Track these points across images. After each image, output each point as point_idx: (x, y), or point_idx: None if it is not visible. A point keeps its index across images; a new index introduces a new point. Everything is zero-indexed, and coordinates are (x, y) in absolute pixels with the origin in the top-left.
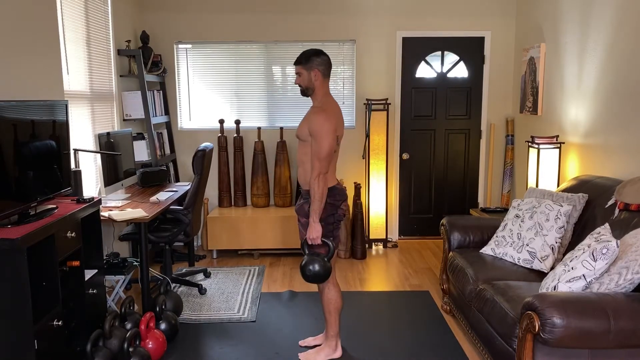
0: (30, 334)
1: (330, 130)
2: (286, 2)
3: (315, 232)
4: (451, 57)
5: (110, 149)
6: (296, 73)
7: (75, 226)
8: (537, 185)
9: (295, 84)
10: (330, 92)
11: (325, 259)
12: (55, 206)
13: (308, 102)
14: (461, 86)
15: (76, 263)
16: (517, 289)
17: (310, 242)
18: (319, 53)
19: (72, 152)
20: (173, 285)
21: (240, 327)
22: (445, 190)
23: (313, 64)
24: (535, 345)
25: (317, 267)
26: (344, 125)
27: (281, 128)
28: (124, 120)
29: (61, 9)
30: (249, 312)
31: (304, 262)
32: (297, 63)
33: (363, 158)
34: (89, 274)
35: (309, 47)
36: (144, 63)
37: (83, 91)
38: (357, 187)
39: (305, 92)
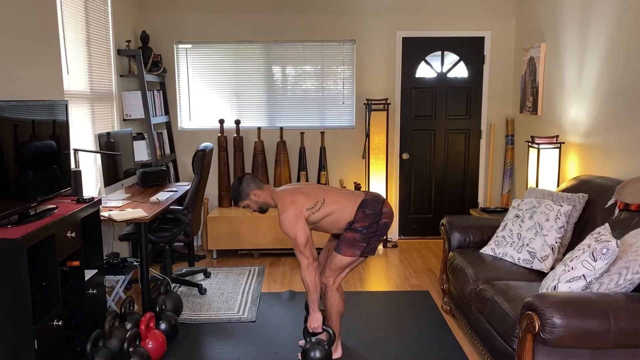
0: (30, 334)
1: (296, 220)
2: (286, 2)
3: (315, 322)
4: (451, 57)
5: (110, 149)
6: (244, 207)
7: (75, 226)
8: (537, 185)
9: (252, 212)
10: (330, 92)
11: (326, 346)
12: (55, 206)
13: (308, 102)
14: (461, 86)
15: (76, 263)
16: (517, 289)
17: (311, 331)
18: (239, 182)
19: (72, 152)
20: (173, 285)
21: (240, 327)
22: (445, 190)
23: (247, 192)
24: (535, 345)
25: (317, 354)
26: (343, 124)
27: (281, 128)
28: (124, 120)
29: (61, 9)
30: (249, 312)
31: (306, 347)
32: (236, 203)
33: (363, 158)
34: (89, 274)
35: (308, 47)
36: (144, 63)
37: (83, 91)
38: (357, 188)
39: (262, 210)
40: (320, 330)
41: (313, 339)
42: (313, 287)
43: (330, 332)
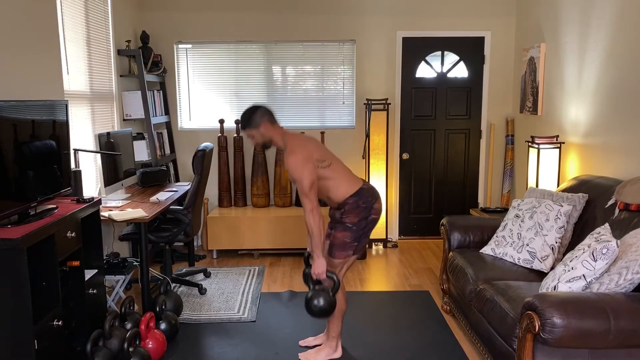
0: (30, 334)
1: (303, 163)
2: (286, 2)
3: (319, 267)
4: (451, 57)
5: (110, 149)
6: (248, 136)
7: (75, 226)
8: (537, 185)
9: (253, 144)
10: (330, 92)
11: (331, 293)
12: (55, 206)
13: (308, 102)
14: (461, 86)
15: (76, 263)
16: (517, 289)
17: (315, 278)
18: (255, 109)
19: (72, 152)
20: (173, 285)
21: (240, 327)
22: (445, 190)
23: (258, 122)
24: (535, 345)
25: (322, 301)
26: (343, 124)
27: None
28: (124, 120)
29: (61, 9)
30: (249, 312)
31: (309, 295)
32: (243, 128)
33: (363, 158)
34: (89, 274)
35: (308, 47)
36: (144, 63)
37: (83, 91)
38: None
39: (265, 146)
40: (324, 277)
41: (317, 287)
42: (317, 230)
43: (335, 278)
